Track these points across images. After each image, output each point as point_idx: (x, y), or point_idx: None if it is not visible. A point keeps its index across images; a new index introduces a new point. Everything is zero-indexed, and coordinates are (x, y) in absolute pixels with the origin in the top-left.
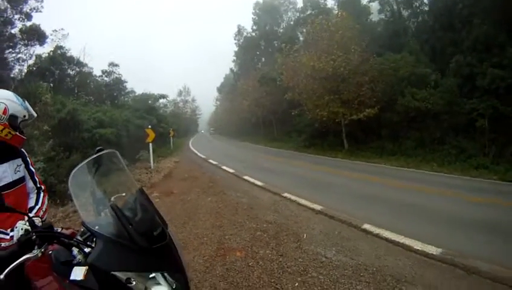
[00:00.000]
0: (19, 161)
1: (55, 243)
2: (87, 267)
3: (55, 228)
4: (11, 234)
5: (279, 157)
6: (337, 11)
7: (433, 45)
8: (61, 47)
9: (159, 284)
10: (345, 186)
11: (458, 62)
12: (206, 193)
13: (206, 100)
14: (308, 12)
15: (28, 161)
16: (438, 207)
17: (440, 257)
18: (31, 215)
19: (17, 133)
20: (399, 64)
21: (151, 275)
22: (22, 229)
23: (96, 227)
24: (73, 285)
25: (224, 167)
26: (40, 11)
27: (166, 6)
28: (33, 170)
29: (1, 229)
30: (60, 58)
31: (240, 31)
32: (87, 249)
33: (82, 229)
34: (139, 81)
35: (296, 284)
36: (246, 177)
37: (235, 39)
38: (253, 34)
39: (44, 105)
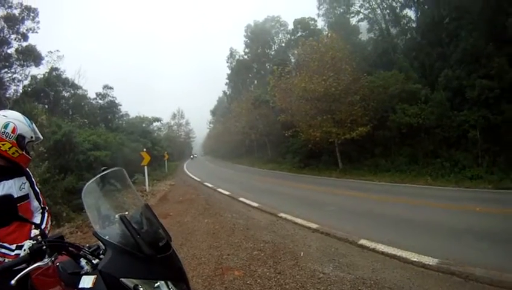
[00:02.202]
0: (24, 179)
1: (63, 254)
2: (95, 276)
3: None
4: (16, 252)
5: (273, 178)
6: (327, 32)
7: (422, 61)
8: (56, 68)
9: None
10: (340, 205)
11: (447, 76)
12: (202, 215)
13: (200, 123)
14: (299, 34)
15: (33, 181)
16: (433, 219)
17: (437, 267)
18: (37, 232)
19: (24, 152)
20: (389, 81)
21: (156, 284)
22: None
23: (107, 237)
24: None
25: (219, 190)
26: (36, 32)
27: (163, 30)
28: (38, 190)
29: (4, 244)
30: (55, 80)
31: (232, 54)
32: (94, 260)
33: (87, 245)
34: (134, 104)
35: None
36: (241, 199)
37: (227, 62)
38: (245, 56)
39: (40, 126)
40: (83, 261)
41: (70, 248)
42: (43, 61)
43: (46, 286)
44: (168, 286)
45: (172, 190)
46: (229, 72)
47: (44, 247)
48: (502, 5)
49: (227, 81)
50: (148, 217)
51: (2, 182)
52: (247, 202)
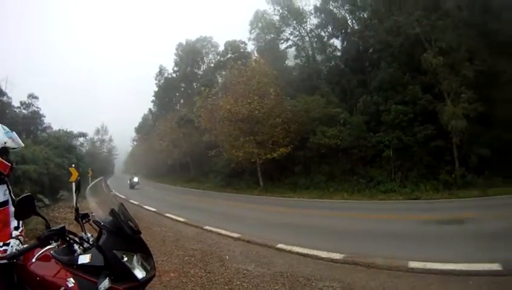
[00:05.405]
0: (5, 186)
1: (62, 241)
2: (90, 254)
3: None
4: (3, 247)
5: (197, 196)
6: (255, 57)
7: (343, 86)
8: None
9: (138, 262)
10: (260, 218)
11: (365, 101)
12: None
13: (123, 140)
14: (229, 55)
15: (10, 189)
16: (342, 226)
17: (343, 260)
18: (17, 233)
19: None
20: (311, 105)
21: (134, 256)
22: (16, 244)
23: (102, 223)
24: (80, 268)
25: (145, 206)
26: None
27: (96, 42)
28: (13, 197)
29: None
30: None
31: (161, 71)
32: (85, 245)
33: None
34: (63, 112)
35: None
36: (168, 215)
37: (155, 79)
38: (174, 75)
39: None
40: (76, 246)
41: (70, 235)
42: None
43: (47, 268)
44: (141, 259)
45: (99, 206)
46: (156, 89)
47: (50, 235)
48: (420, 40)
49: (154, 98)
50: (123, 211)
51: None
52: (174, 217)
